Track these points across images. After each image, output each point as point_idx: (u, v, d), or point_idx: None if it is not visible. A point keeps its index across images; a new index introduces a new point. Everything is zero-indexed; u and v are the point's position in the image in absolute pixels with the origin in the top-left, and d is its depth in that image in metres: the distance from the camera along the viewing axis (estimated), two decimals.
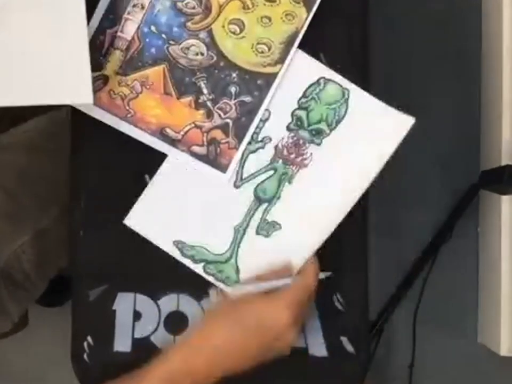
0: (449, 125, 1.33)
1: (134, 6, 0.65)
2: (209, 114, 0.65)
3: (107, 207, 0.67)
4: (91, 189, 0.67)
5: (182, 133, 0.65)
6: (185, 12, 0.64)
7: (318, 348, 0.67)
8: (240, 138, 0.65)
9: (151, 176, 0.66)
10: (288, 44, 0.65)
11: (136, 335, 0.67)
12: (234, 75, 0.64)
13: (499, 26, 1.29)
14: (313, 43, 0.67)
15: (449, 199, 1.31)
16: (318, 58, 0.67)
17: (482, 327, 1.34)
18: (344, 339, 0.68)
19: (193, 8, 0.64)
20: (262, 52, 0.65)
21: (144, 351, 0.67)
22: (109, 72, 0.65)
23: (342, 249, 0.68)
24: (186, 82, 0.65)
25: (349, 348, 0.67)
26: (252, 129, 0.65)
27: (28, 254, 0.74)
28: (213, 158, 0.65)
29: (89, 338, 0.67)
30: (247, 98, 0.65)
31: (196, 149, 0.65)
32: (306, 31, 0.67)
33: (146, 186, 0.66)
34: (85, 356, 0.67)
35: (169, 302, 0.67)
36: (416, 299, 1.28)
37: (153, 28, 0.65)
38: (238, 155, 0.65)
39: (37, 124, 0.79)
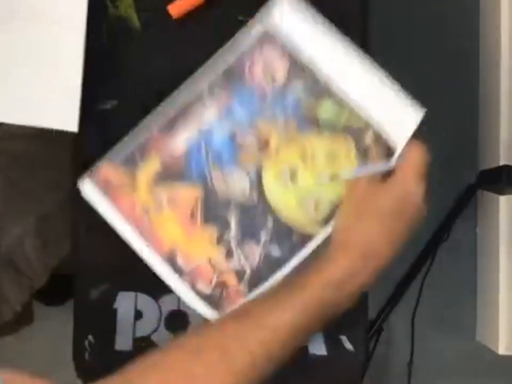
0: (447, 124, 1.34)
1: (194, 119, 0.60)
2: (229, 255, 0.59)
3: None
4: None
5: (192, 265, 0.59)
6: (241, 142, 0.59)
7: (317, 346, 0.68)
8: (252, 289, 0.59)
9: None
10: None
11: (137, 334, 0.67)
12: (269, 222, 0.58)
13: (497, 26, 1.29)
14: None
15: (447, 199, 1.31)
16: None
17: (480, 325, 1.34)
18: (343, 337, 0.68)
19: (251, 142, 0.59)
20: (308, 209, 0.59)
21: (145, 350, 0.67)
22: (141, 175, 0.59)
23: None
24: (216, 212, 0.59)
25: (348, 346, 0.68)
26: (268, 284, 0.59)
27: (30, 239, 0.73)
28: (215, 300, 0.59)
29: (90, 337, 0.67)
30: (276, 252, 0.59)
31: (200, 286, 0.59)
32: None
33: None
34: (86, 355, 0.67)
35: (170, 301, 0.67)
36: (415, 298, 1.28)
37: (203, 146, 0.59)
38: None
39: None
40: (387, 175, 0.58)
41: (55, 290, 0.87)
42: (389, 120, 0.60)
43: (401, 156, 0.59)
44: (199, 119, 0.60)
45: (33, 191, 0.72)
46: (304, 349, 0.68)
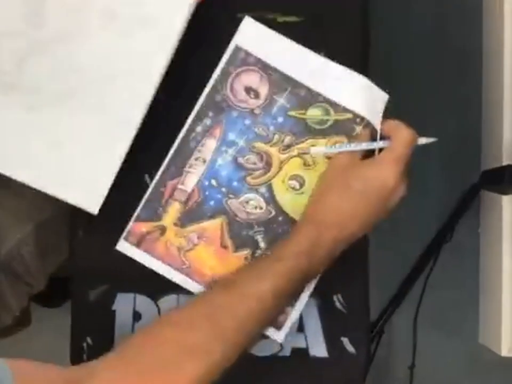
0: (450, 124, 1.33)
1: (196, 159, 0.65)
2: None
3: (107, 207, 0.67)
4: None
5: None
6: (245, 166, 0.65)
7: (318, 348, 0.67)
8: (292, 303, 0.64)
9: (151, 176, 0.66)
10: None
11: None
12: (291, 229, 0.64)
13: (500, 26, 1.29)
14: (313, 43, 0.67)
15: (450, 199, 1.31)
16: None
17: (483, 327, 1.34)
18: (344, 340, 0.67)
19: (254, 163, 0.64)
20: None
21: None
22: (166, 223, 0.65)
23: (342, 250, 0.68)
24: (243, 236, 0.65)
25: (350, 348, 0.67)
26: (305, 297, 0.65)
27: (29, 245, 0.73)
28: None
29: (88, 339, 0.67)
30: None
31: None
32: (307, 31, 0.67)
33: (146, 186, 0.66)
34: (85, 357, 0.67)
35: (169, 303, 0.67)
36: (417, 300, 1.28)
37: (213, 182, 0.65)
38: (292, 318, 0.65)
39: None
40: (369, 156, 0.62)
41: (53, 292, 0.87)
42: (365, 105, 0.64)
43: (387, 138, 0.62)
44: (200, 155, 0.65)
45: (32, 198, 0.72)
46: (305, 351, 0.67)
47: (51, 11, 0.60)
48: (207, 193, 0.65)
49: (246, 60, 0.65)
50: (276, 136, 0.64)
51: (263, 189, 0.65)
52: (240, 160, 0.65)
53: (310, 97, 0.64)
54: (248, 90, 0.65)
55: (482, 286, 1.34)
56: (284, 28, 0.67)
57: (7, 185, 0.71)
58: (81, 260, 0.68)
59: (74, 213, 0.68)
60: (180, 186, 0.65)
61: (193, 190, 0.65)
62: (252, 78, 0.65)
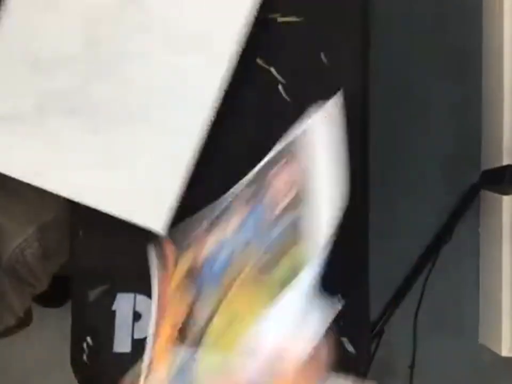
0: (450, 124, 1.33)
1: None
2: None
3: None
4: None
5: None
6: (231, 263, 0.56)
7: None
8: None
9: None
10: None
11: (136, 336, 0.67)
12: None
13: (500, 26, 1.29)
14: (313, 43, 0.67)
15: (450, 199, 1.31)
16: (318, 58, 0.67)
17: (483, 327, 1.33)
18: (344, 340, 0.67)
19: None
20: None
21: (144, 352, 0.66)
22: (179, 264, 0.59)
23: (343, 250, 0.68)
24: None
25: (350, 348, 0.67)
26: None
27: (32, 248, 0.74)
28: None
29: (88, 339, 0.67)
30: None
31: None
32: (307, 31, 0.67)
33: None
34: (84, 357, 0.67)
35: None
36: (417, 300, 1.28)
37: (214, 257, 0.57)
38: None
39: None
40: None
41: (54, 292, 0.87)
42: None
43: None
44: (223, 229, 0.58)
45: (34, 201, 0.72)
46: None
47: (111, 35, 0.60)
48: (207, 266, 0.57)
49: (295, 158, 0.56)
50: (260, 253, 0.55)
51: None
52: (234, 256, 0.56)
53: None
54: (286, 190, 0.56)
55: (482, 286, 1.34)
56: (284, 28, 0.67)
57: (9, 189, 0.71)
58: (81, 260, 0.68)
59: (74, 213, 0.68)
60: (204, 240, 0.57)
61: (204, 254, 0.57)
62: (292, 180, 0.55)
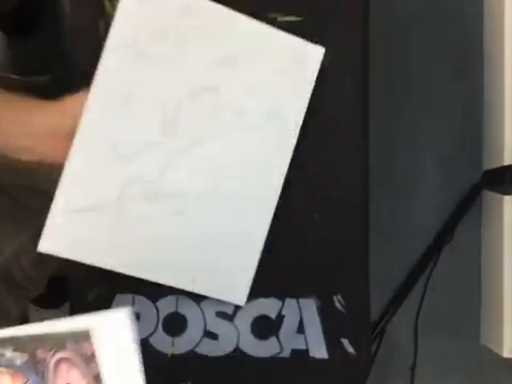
0: (451, 124, 1.33)
1: None
2: None
3: None
4: None
5: None
6: None
7: (318, 349, 0.67)
8: None
9: None
10: None
11: None
12: None
13: (501, 26, 1.28)
14: (313, 42, 0.67)
15: (452, 199, 1.31)
16: None
17: (484, 328, 1.33)
18: (345, 341, 0.67)
19: None
20: None
21: (143, 353, 0.66)
22: None
23: (343, 250, 0.68)
24: None
25: (350, 349, 0.67)
26: None
27: (27, 252, 0.74)
28: None
29: None
30: None
31: None
32: (307, 31, 0.66)
33: None
34: None
35: (167, 304, 0.67)
36: (418, 300, 1.28)
37: None
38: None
39: None
40: None
41: (52, 293, 0.87)
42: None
43: None
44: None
45: (29, 206, 0.72)
46: (305, 352, 0.67)
47: (185, 119, 0.63)
48: None
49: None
50: None
51: None
52: None
53: None
54: None
55: (483, 286, 1.34)
56: (284, 27, 0.66)
57: (4, 193, 0.71)
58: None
59: None
60: None
61: None
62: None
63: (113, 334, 0.49)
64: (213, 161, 0.64)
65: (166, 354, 0.67)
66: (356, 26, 0.68)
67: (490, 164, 1.31)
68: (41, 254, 0.75)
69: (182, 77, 0.63)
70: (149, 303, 0.67)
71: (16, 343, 0.48)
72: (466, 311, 1.32)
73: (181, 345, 0.67)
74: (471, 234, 1.33)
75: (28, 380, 0.48)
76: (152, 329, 0.67)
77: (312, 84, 0.66)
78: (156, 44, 0.62)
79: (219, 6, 0.63)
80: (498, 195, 1.28)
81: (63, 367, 0.48)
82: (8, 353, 0.48)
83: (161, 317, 0.67)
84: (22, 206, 0.74)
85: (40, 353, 0.48)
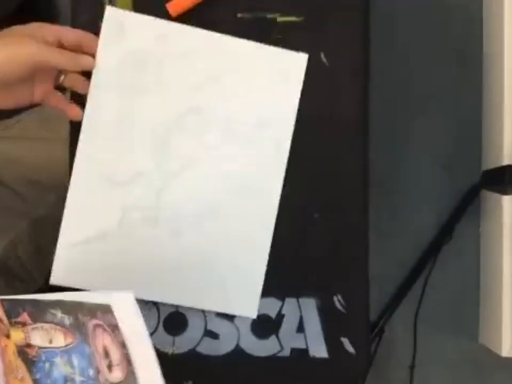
0: (450, 125, 1.33)
1: None
2: None
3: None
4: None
5: None
6: None
7: (318, 349, 0.67)
8: None
9: None
10: None
11: None
12: None
13: (500, 27, 1.29)
14: (313, 43, 0.67)
15: (451, 199, 1.31)
16: (318, 58, 0.67)
17: (483, 327, 1.33)
18: (345, 340, 0.67)
19: None
20: None
21: None
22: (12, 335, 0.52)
23: (343, 250, 0.68)
24: None
25: (350, 349, 0.67)
26: None
27: (24, 243, 0.74)
28: None
29: None
30: None
31: None
32: (306, 31, 0.67)
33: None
34: None
35: (168, 303, 0.67)
36: (417, 300, 1.28)
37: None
38: None
39: (30, 113, 0.79)
40: None
41: (52, 289, 0.87)
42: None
43: None
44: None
45: (27, 194, 0.72)
46: (305, 351, 0.67)
47: (175, 141, 0.65)
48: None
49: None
50: None
51: None
52: None
53: None
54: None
55: (482, 286, 1.34)
56: (284, 27, 0.66)
57: (4, 184, 0.71)
58: None
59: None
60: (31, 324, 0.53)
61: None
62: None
63: (128, 311, 0.52)
64: (208, 179, 0.66)
65: (166, 354, 0.67)
66: (356, 26, 0.68)
67: (489, 164, 1.32)
68: (37, 246, 0.75)
69: (167, 102, 0.65)
70: (150, 302, 0.67)
71: (62, 306, 0.52)
72: (465, 311, 1.33)
73: (181, 344, 0.67)
74: (470, 234, 1.33)
75: (76, 339, 0.52)
76: (153, 328, 0.67)
77: (299, 89, 0.67)
78: (138, 73, 0.65)
79: (194, 29, 0.65)
80: (497, 195, 1.28)
81: (99, 331, 0.52)
82: (59, 314, 0.52)
83: (162, 317, 0.67)
84: (14, 194, 0.74)
85: (80, 317, 0.52)
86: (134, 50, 0.65)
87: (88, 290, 0.63)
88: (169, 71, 0.65)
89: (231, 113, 0.66)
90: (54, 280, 0.64)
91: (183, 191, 0.65)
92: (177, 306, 0.67)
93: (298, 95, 0.67)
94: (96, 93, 0.64)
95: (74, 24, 0.66)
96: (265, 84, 0.66)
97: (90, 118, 0.64)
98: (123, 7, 0.66)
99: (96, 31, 0.65)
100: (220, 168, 0.66)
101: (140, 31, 0.65)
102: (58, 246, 0.64)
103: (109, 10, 0.64)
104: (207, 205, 0.66)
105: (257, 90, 0.66)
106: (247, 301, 0.66)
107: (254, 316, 0.66)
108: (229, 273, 0.66)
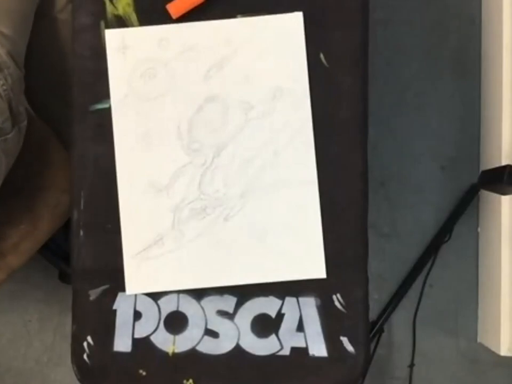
0: (449, 125, 1.33)
1: None
2: None
3: (106, 208, 0.67)
4: (91, 189, 0.68)
5: None
6: None
7: (318, 348, 0.67)
8: None
9: None
10: None
11: (136, 335, 0.67)
12: None
13: (499, 26, 1.29)
14: (313, 43, 0.67)
15: (450, 199, 1.31)
16: (317, 58, 0.68)
17: (482, 327, 1.33)
18: (344, 339, 0.67)
19: None
20: None
21: (144, 351, 0.67)
22: None
23: (342, 250, 0.68)
24: None
25: (349, 348, 0.67)
26: None
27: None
28: None
29: (89, 338, 0.67)
30: None
31: None
32: (307, 31, 0.67)
33: None
34: (85, 356, 0.67)
35: (169, 302, 0.67)
36: (416, 299, 1.28)
37: None
38: None
39: None
40: None
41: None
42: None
43: None
44: None
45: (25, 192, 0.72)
46: (305, 350, 0.67)
47: (202, 132, 0.68)
48: None
49: None
50: None
51: None
52: None
53: None
54: None
55: (481, 285, 1.34)
56: None
57: None
58: (81, 259, 0.68)
59: (73, 214, 0.68)
60: None
61: None
62: None
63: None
64: (241, 160, 0.68)
65: (167, 352, 0.67)
66: (356, 26, 0.68)
67: (488, 164, 1.32)
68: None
69: (184, 98, 0.68)
70: (151, 301, 0.67)
71: None
72: (464, 310, 1.33)
73: (182, 343, 0.67)
74: (469, 234, 1.33)
75: None
76: (153, 327, 0.67)
77: (304, 49, 0.67)
78: (150, 81, 0.68)
79: (191, 24, 0.67)
80: (496, 195, 1.28)
81: None
82: None
83: (163, 315, 0.67)
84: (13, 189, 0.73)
85: None
86: (141, 60, 0.67)
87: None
88: (177, 70, 0.67)
89: (245, 92, 0.67)
90: (129, 291, 0.67)
91: (222, 177, 0.68)
92: (178, 306, 0.67)
93: (304, 54, 0.67)
94: (116, 109, 0.67)
95: (75, 21, 0.66)
96: (268, 52, 0.68)
97: (119, 133, 0.67)
98: (124, 7, 0.67)
99: (96, 30, 0.65)
100: (250, 145, 0.68)
101: (142, 42, 0.67)
102: (124, 259, 0.67)
103: (108, 34, 0.67)
104: (247, 183, 0.68)
105: (264, 61, 0.68)
106: (313, 263, 0.67)
107: (324, 275, 0.67)
108: (288, 241, 0.68)
